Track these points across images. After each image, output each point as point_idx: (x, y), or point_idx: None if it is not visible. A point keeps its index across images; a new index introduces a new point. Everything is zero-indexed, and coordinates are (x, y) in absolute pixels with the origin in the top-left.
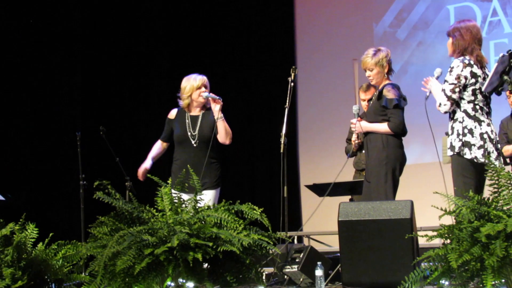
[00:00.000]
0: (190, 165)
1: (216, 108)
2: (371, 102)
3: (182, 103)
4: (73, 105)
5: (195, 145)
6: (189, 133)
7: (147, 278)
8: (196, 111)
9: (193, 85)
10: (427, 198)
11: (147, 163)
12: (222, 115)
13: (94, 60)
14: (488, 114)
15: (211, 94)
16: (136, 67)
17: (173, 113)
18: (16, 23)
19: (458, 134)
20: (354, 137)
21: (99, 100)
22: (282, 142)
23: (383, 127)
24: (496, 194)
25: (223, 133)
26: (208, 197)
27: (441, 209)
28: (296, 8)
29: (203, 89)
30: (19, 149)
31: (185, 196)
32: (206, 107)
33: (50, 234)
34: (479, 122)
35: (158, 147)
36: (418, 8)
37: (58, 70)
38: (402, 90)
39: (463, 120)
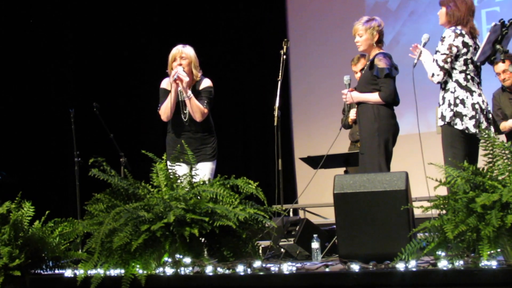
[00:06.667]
0: (184, 139)
1: (178, 88)
2: (363, 72)
3: None
4: (66, 81)
5: (184, 119)
6: (181, 106)
7: (144, 254)
8: None
9: (170, 57)
10: (422, 169)
11: None
12: (189, 92)
13: (87, 36)
14: (479, 84)
15: (178, 72)
16: (129, 42)
17: (167, 82)
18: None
19: (450, 104)
20: (352, 113)
21: (92, 76)
22: (276, 115)
23: (374, 97)
24: (491, 164)
25: (192, 113)
26: (203, 170)
27: (436, 180)
28: None
29: (178, 61)
30: (13, 127)
31: (183, 168)
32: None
33: (47, 212)
34: (471, 92)
35: None
36: None
37: (50, 47)
38: (394, 60)
39: (455, 90)
